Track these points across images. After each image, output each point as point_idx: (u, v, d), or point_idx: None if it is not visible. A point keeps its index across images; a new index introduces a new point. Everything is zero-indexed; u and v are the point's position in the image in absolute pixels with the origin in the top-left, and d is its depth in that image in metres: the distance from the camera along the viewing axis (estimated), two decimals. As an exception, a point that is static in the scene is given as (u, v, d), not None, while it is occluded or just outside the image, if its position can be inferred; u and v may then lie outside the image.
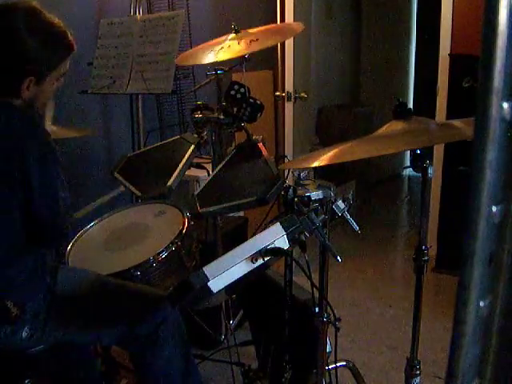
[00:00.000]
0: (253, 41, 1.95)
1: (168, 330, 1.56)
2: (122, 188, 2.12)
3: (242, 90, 1.95)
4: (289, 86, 3.72)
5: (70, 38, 1.44)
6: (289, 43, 3.69)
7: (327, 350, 1.52)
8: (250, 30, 2.05)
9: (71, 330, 1.51)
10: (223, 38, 2.07)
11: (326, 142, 4.29)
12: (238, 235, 2.63)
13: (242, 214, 2.91)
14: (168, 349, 1.57)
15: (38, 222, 1.40)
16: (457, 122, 1.31)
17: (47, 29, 1.38)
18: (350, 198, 1.42)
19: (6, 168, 1.33)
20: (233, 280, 1.16)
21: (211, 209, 1.70)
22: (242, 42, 1.97)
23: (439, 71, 3.29)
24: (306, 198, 1.38)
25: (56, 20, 1.41)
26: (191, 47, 2.90)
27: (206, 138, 2.08)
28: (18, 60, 1.37)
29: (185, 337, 1.63)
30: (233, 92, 1.96)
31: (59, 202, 1.39)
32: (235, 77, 2.58)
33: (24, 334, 1.41)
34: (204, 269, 1.13)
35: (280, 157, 3.29)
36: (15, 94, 1.39)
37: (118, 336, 1.57)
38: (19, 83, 1.37)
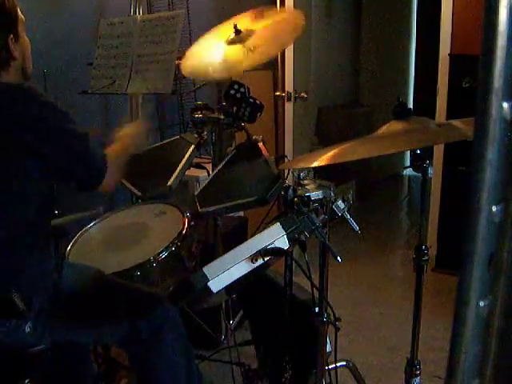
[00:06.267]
0: (257, 49, 1.92)
1: (170, 328, 1.56)
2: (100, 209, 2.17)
3: (242, 89, 1.95)
4: (289, 86, 3.72)
5: None
6: (289, 43, 3.69)
7: (327, 350, 1.52)
8: (250, 28, 2.03)
9: (73, 327, 1.52)
10: (223, 37, 2.05)
11: (325, 142, 4.29)
12: (237, 235, 2.63)
13: (241, 214, 2.90)
14: (171, 348, 1.56)
15: (79, 175, 1.47)
16: (457, 122, 1.31)
17: None
18: (350, 198, 1.41)
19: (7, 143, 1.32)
20: (233, 280, 1.16)
21: (211, 209, 1.70)
22: (246, 51, 1.93)
23: (439, 71, 3.29)
24: (306, 198, 1.37)
25: None
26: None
27: (205, 137, 2.08)
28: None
29: (185, 336, 1.63)
30: (232, 92, 1.95)
31: (90, 144, 1.44)
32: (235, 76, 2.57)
33: (27, 329, 1.41)
34: (204, 269, 1.13)
35: (280, 157, 3.29)
36: (6, 61, 1.37)
37: (120, 334, 1.57)
38: (5, 42, 1.35)
